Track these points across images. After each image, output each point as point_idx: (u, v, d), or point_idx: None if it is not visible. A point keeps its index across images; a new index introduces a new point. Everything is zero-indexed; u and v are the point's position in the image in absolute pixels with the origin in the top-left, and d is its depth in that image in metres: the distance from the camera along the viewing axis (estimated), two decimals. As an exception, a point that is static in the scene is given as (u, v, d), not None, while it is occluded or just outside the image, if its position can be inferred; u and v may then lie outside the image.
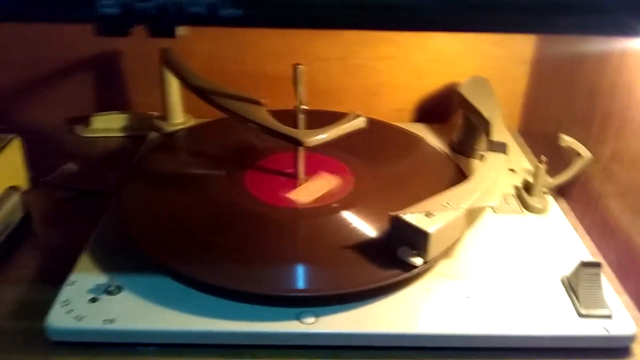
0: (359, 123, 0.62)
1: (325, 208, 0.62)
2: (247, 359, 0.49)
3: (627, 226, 0.60)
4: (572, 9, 0.35)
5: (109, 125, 0.85)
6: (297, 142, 0.60)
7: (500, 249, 0.59)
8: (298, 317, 0.50)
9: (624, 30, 0.37)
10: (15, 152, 0.69)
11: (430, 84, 0.87)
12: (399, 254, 0.53)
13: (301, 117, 0.63)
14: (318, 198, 0.63)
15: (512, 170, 0.73)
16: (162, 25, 0.32)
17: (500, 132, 0.67)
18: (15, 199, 0.63)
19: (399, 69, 0.86)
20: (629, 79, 0.61)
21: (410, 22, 0.34)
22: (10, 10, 0.34)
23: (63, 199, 0.70)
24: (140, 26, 0.34)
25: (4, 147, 0.67)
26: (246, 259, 0.56)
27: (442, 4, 0.34)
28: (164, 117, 0.81)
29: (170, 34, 0.34)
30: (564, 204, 0.71)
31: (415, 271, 0.53)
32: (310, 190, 0.65)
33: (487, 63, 0.85)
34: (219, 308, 0.51)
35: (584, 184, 0.68)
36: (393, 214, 0.53)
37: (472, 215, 0.56)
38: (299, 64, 0.60)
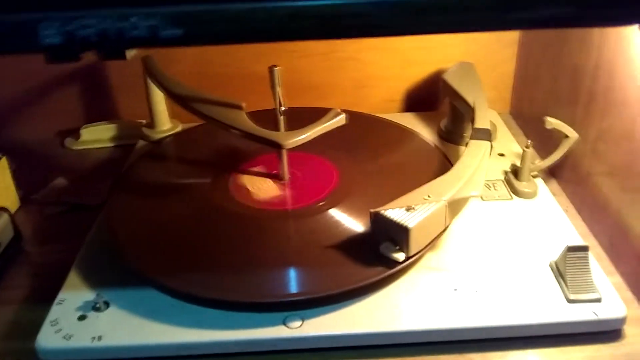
0: (339, 120, 0.62)
1: (310, 208, 0.61)
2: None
3: (616, 205, 0.59)
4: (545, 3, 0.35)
5: (98, 136, 0.85)
6: (276, 145, 0.60)
7: (488, 237, 0.59)
8: (284, 322, 0.50)
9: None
10: (2, 172, 0.69)
11: (418, 72, 0.86)
12: (381, 251, 0.53)
13: (281, 119, 0.62)
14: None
15: (501, 154, 0.72)
16: (108, 49, 0.32)
17: (484, 118, 0.66)
18: (4, 220, 0.63)
19: (384, 59, 0.85)
20: (610, 60, 0.59)
21: (356, 29, 0.33)
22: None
23: (54, 215, 0.70)
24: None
25: (-10, 168, 0.67)
26: (229, 268, 0.55)
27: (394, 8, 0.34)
28: (151, 124, 0.81)
29: (121, 57, 0.34)
30: (556, 185, 0.71)
31: (399, 267, 0.52)
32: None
33: (475, 47, 0.84)
34: (205, 318, 0.51)
35: (574, 164, 0.67)
36: (373, 210, 0.53)
37: (455, 206, 0.56)
38: (274, 66, 0.60)
